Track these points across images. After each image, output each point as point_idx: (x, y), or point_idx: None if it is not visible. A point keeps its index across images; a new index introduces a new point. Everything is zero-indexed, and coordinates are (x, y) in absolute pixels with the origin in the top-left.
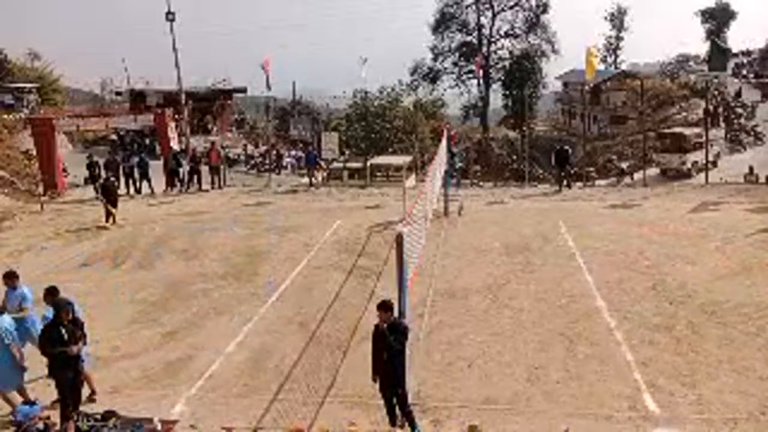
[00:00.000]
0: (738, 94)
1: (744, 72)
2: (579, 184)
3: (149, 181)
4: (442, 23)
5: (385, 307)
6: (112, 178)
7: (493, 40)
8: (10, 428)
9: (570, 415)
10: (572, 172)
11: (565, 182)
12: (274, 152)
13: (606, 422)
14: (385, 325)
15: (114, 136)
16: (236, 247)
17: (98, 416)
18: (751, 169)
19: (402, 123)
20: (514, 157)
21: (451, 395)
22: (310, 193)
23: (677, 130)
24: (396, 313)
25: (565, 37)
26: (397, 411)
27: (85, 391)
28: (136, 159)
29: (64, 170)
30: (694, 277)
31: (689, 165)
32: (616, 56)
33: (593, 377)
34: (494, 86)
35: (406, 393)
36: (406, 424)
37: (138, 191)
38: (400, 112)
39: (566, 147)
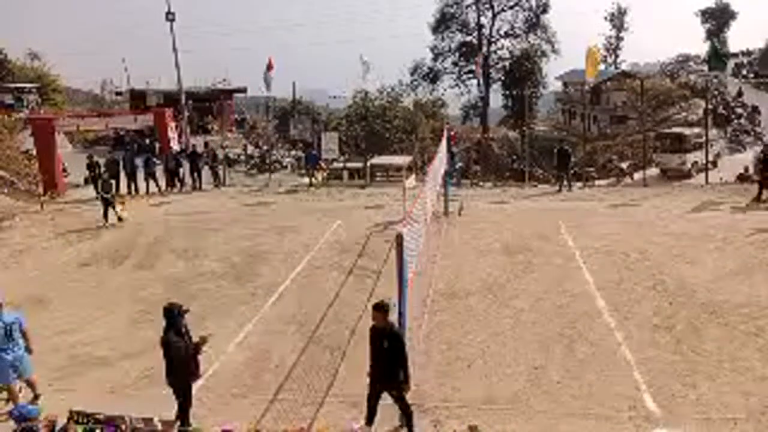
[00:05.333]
0: (739, 94)
1: (744, 72)
2: (579, 184)
3: (156, 180)
4: (442, 23)
5: (378, 308)
6: (110, 179)
7: (493, 40)
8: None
9: (570, 415)
10: (573, 171)
11: (565, 182)
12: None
13: (606, 422)
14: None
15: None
16: (236, 247)
17: (100, 416)
18: (747, 168)
19: (402, 123)
20: (514, 157)
21: (451, 395)
22: (310, 193)
23: (677, 130)
24: (396, 313)
25: (565, 37)
26: (397, 409)
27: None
28: (143, 158)
29: (64, 170)
30: (694, 277)
31: (689, 165)
32: (616, 56)
33: (593, 377)
34: (494, 86)
35: (403, 396)
36: (405, 423)
37: (137, 191)
38: (400, 112)
39: (567, 147)
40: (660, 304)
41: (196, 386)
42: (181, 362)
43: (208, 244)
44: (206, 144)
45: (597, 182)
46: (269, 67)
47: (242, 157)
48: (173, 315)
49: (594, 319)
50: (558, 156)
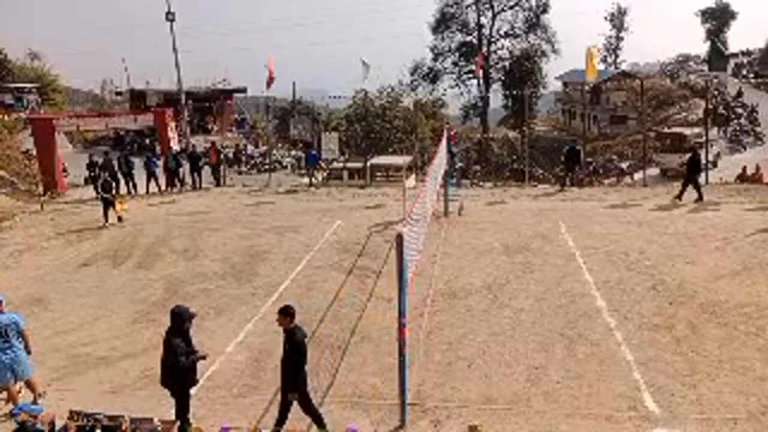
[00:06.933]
0: (739, 94)
1: (744, 72)
2: None
3: (156, 180)
4: (442, 23)
5: (283, 312)
6: (108, 178)
7: (493, 40)
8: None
9: (570, 415)
10: (578, 171)
11: (568, 182)
12: (242, 150)
13: (606, 422)
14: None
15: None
16: (236, 247)
17: (99, 416)
18: (744, 169)
19: (402, 123)
20: (514, 157)
21: (451, 395)
22: (310, 193)
23: (677, 130)
24: (396, 313)
25: (565, 37)
26: (325, 413)
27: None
28: (144, 158)
29: (64, 170)
30: (694, 277)
31: None
32: (616, 56)
33: (593, 377)
34: (494, 86)
35: (289, 402)
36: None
37: (135, 190)
38: (400, 112)
39: (578, 147)
40: (660, 304)
41: (195, 387)
42: (183, 369)
43: (208, 244)
44: (212, 143)
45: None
46: (269, 78)
47: (243, 158)
48: (181, 319)
49: (594, 319)
50: (568, 155)
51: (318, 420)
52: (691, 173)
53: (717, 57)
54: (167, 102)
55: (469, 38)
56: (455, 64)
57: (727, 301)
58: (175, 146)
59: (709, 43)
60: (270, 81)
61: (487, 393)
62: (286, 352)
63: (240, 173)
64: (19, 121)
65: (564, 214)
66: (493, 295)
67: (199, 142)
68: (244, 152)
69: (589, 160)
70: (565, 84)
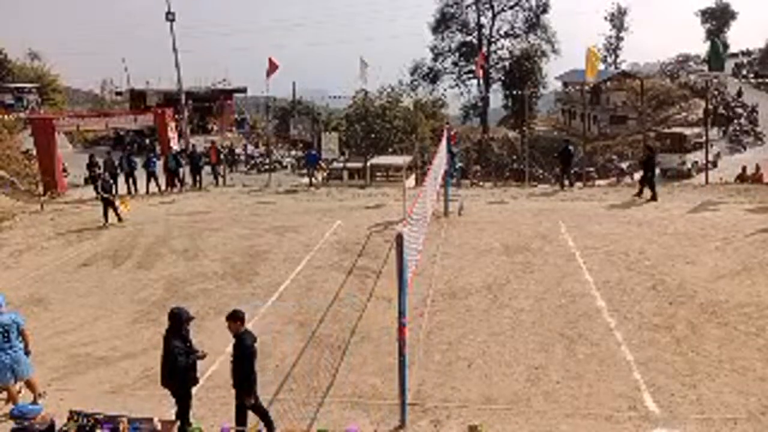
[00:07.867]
0: (739, 94)
1: (744, 72)
2: (579, 184)
3: (157, 180)
4: (442, 23)
5: (231, 317)
6: (108, 178)
7: (493, 40)
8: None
9: (570, 415)
10: (573, 171)
11: (567, 182)
12: (228, 149)
13: (606, 422)
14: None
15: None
16: (236, 247)
17: (99, 416)
18: (744, 169)
19: (402, 123)
20: (514, 157)
21: (451, 395)
22: (310, 193)
23: (677, 130)
24: (396, 313)
25: (565, 37)
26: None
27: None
28: (144, 158)
29: (64, 170)
30: (694, 277)
31: (689, 165)
32: (616, 56)
33: (593, 377)
34: (494, 86)
35: (253, 402)
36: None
37: (136, 190)
38: (400, 112)
39: (570, 147)
40: (660, 304)
41: (195, 387)
42: (183, 369)
43: (208, 244)
44: (212, 143)
45: (597, 182)
46: (271, 69)
47: (242, 157)
48: (180, 320)
49: (594, 319)
50: (563, 154)
51: (266, 420)
52: (645, 172)
53: (717, 57)
54: (167, 102)
55: (469, 38)
56: (455, 64)
57: (727, 301)
58: (175, 146)
59: (709, 43)
60: (271, 70)
61: (487, 393)
62: (236, 357)
63: (232, 171)
64: (19, 121)
65: (564, 214)
66: (493, 295)
67: (199, 142)
68: (244, 153)
69: (576, 162)
70: (565, 84)
